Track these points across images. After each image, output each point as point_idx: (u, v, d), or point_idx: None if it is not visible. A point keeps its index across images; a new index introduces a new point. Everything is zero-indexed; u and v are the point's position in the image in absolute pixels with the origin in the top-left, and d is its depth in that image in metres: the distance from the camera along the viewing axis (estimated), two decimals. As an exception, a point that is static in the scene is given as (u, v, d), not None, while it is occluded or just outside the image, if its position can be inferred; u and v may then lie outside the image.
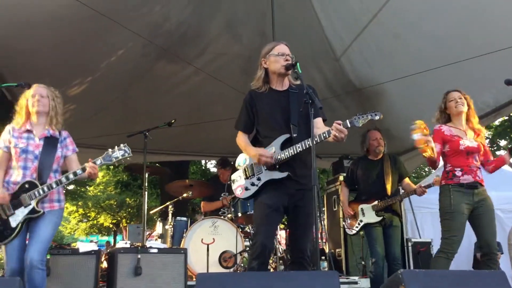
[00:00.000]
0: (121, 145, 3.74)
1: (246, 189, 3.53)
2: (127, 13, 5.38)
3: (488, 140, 19.10)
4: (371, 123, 3.48)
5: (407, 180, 5.27)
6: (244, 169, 3.59)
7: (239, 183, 3.61)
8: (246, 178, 3.56)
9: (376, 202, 5.06)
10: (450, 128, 4.27)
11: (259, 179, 3.48)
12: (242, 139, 3.65)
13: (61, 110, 3.85)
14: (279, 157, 3.40)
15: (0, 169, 3.67)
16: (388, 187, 5.10)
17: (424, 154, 4.04)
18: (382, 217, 5.03)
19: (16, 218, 3.53)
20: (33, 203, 3.54)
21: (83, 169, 3.58)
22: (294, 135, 3.43)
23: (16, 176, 3.63)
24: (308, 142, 3.28)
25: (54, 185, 3.58)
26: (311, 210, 3.23)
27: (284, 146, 3.43)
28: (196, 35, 6.17)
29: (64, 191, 3.86)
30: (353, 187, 5.47)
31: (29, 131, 3.73)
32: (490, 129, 18.24)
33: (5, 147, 3.68)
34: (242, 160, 3.65)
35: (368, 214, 5.10)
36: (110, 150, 3.70)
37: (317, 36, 6.29)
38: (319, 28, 6.18)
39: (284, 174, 3.40)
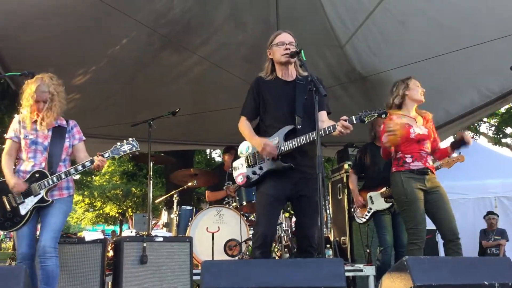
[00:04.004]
0: (129, 139, 3.83)
1: (248, 177, 3.55)
2: (130, 2, 5.35)
3: (494, 127, 18.99)
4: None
5: None
6: (247, 157, 3.59)
7: (240, 171, 3.62)
8: (248, 166, 3.56)
9: (384, 189, 5.06)
10: (400, 116, 4.25)
11: (261, 168, 3.50)
12: (245, 126, 3.63)
13: (62, 97, 3.87)
14: (282, 148, 3.41)
15: (10, 159, 3.78)
16: None
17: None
18: (391, 203, 5.02)
19: (26, 207, 3.65)
20: (43, 193, 3.66)
21: (92, 162, 3.69)
22: (299, 126, 3.43)
23: (26, 166, 3.73)
24: (313, 135, 3.30)
25: (63, 176, 3.69)
26: (316, 198, 3.23)
27: (287, 137, 3.43)
28: (200, 24, 6.14)
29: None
30: (361, 174, 5.47)
31: (37, 121, 3.80)
32: (496, 117, 18.14)
33: (15, 137, 3.79)
34: (244, 148, 3.65)
35: (377, 201, 5.10)
36: (118, 143, 3.80)
37: (321, 23, 6.24)
38: (323, 16, 6.13)
39: (286, 165, 3.40)
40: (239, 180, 3.61)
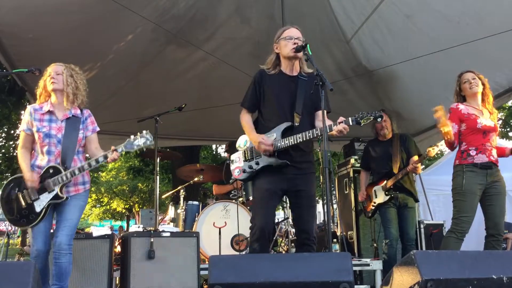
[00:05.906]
0: (144, 132, 3.70)
1: (244, 171, 3.60)
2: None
3: (501, 121, 18.87)
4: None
5: (415, 158, 5.17)
6: (244, 151, 3.64)
7: (237, 164, 3.66)
8: (245, 160, 3.61)
9: (384, 182, 5.10)
10: (467, 106, 4.24)
11: (257, 163, 3.54)
12: (246, 119, 3.67)
13: (82, 85, 3.82)
14: (278, 144, 3.45)
15: (26, 152, 3.71)
16: (395, 166, 5.13)
17: (445, 136, 4.05)
18: (390, 196, 5.05)
19: (41, 203, 3.59)
20: (57, 189, 3.59)
21: (105, 157, 3.60)
22: (296, 124, 3.48)
23: (41, 160, 3.65)
24: (309, 134, 3.35)
25: (77, 172, 3.60)
26: (313, 192, 3.46)
27: (284, 134, 3.48)
28: (204, 19, 6.13)
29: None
30: (368, 170, 5.55)
31: (50, 112, 3.72)
32: (503, 110, 18.03)
33: (27, 129, 3.70)
34: (243, 142, 3.70)
35: (379, 195, 5.17)
36: (132, 136, 3.67)
37: (327, 18, 6.22)
38: (329, 10, 6.11)
39: (282, 162, 3.45)
40: (236, 173, 3.66)
